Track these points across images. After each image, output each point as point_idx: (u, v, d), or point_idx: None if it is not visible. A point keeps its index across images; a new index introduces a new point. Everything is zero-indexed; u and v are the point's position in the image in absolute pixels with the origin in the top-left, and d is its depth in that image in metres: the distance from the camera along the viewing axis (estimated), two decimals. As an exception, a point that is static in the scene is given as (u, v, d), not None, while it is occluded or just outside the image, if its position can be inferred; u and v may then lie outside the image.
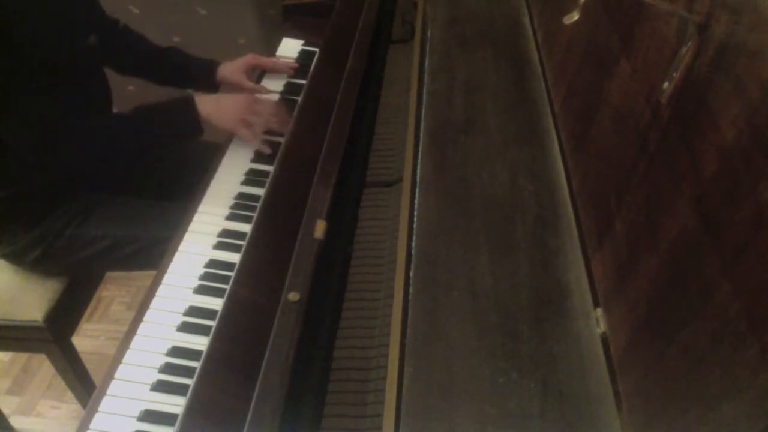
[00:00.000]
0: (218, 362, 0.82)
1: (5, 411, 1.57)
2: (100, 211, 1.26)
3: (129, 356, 0.89)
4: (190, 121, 1.19)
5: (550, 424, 0.58)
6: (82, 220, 1.24)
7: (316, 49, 1.48)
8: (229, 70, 1.42)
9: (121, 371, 0.88)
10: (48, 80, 1.11)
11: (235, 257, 1.01)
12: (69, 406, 1.69)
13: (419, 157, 0.92)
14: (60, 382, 1.52)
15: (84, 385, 1.43)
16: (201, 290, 0.98)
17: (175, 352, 0.90)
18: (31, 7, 1.06)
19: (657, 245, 0.59)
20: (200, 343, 0.89)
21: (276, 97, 1.39)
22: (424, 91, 1.03)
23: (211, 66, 1.43)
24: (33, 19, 1.07)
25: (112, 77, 1.41)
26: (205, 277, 1.00)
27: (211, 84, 1.44)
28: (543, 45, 1.10)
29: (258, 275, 0.93)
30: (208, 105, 1.19)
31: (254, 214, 1.04)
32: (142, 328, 0.93)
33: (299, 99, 1.29)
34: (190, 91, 1.36)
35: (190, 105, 1.19)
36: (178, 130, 1.22)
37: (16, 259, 1.26)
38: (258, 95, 1.29)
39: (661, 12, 0.65)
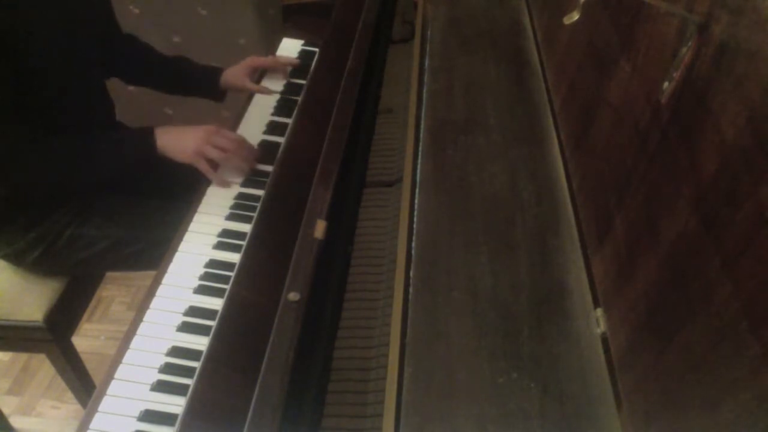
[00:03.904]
0: (218, 362, 0.82)
1: (5, 411, 1.57)
2: (100, 211, 1.26)
3: (129, 356, 0.89)
4: (145, 152, 1.16)
5: (550, 424, 0.58)
6: (82, 220, 1.24)
7: (316, 49, 1.48)
8: (233, 75, 1.41)
9: (121, 371, 0.88)
10: (44, 95, 1.12)
11: (235, 257, 1.01)
12: (69, 406, 1.69)
13: (419, 157, 0.92)
14: (60, 382, 1.52)
15: (84, 385, 1.43)
16: (201, 290, 0.98)
17: (175, 352, 0.90)
18: (40, 20, 1.07)
19: (657, 245, 0.59)
20: (200, 343, 0.89)
21: (276, 96, 1.39)
22: (424, 91, 1.03)
23: (215, 73, 1.42)
24: (41, 31, 1.07)
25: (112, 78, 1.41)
26: (205, 277, 1.00)
27: (216, 91, 1.44)
28: (543, 45, 1.10)
29: (258, 275, 0.93)
30: (166, 138, 1.15)
31: (254, 214, 1.04)
32: (142, 328, 0.93)
33: (299, 99, 1.29)
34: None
35: (148, 137, 1.15)
36: (131, 160, 1.18)
37: (17, 259, 1.26)
38: (222, 130, 1.20)
39: (661, 12, 0.65)
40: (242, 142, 1.19)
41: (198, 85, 1.45)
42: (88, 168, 1.17)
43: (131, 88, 1.56)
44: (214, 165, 1.17)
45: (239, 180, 1.17)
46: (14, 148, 1.10)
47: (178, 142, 1.16)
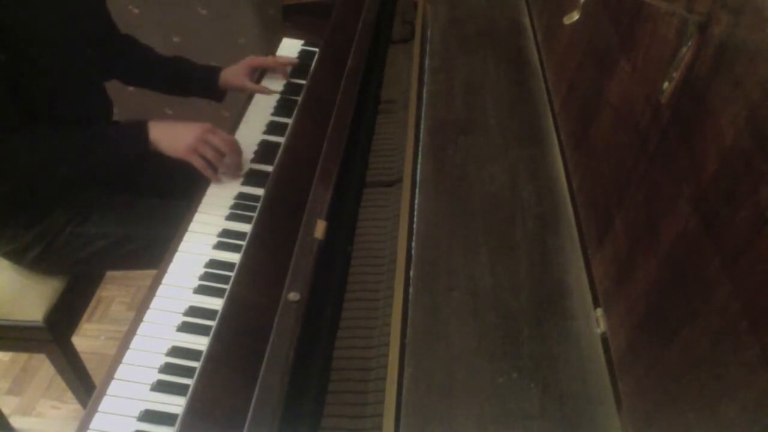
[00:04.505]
0: (218, 362, 0.82)
1: (5, 411, 1.57)
2: (100, 209, 1.26)
3: (129, 356, 0.89)
4: (137, 145, 1.15)
5: (550, 424, 0.58)
6: (83, 218, 1.24)
7: (316, 49, 1.48)
8: (232, 74, 1.41)
9: (121, 371, 0.88)
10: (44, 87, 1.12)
11: (235, 257, 1.01)
12: (69, 406, 1.69)
13: (419, 157, 0.92)
14: (60, 382, 1.52)
15: (84, 385, 1.43)
16: (201, 290, 0.98)
17: (175, 352, 0.90)
18: (36, 20, 1.07)
19: (657, 245, 0.59)
20: (200, 343, 0.89)
21: (276, 96, 1.39)
22: (424, 90, 1.03)
23: (213, 73, 1.42)
24: (36, 32, 1.08)
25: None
26: (205, 277, 1.00)
27: (215, 91, 1.44)
28: (543, 45, 1.10)
29: (258, 275, 0.93)
30: (159, 131, 1.15)
31: (254, 214, 1.04)
32: (142, 328, 0.93)
33: (299, 99, 1.29)
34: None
35: (141, 129, 1.15)
36: (123, 152, 1.18)
37: (17, 257, 1.26)
38: (217, 129, 1.20)
39: (661, 12, 0.65)
40: (235, 144, 1.19)
41: (197, 85, 1.45)
42: (80, 160, 1.16)
43: (131, 88, 1.56)
44: (209, 162, 1.17)
45: (239, 179, 1.17)
46: (10, 144, 1.10)
47: (172, 136, 1.15)
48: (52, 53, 1.12)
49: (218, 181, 1.17)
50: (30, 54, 1.08)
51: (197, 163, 1.15)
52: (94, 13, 1.27)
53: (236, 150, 1.19)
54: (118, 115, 1.40)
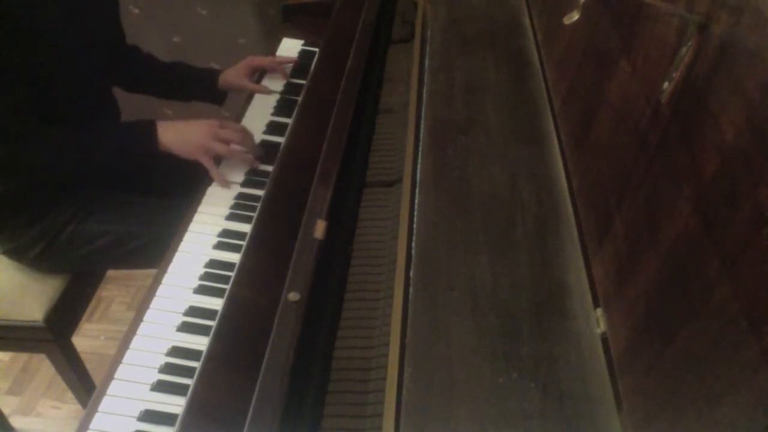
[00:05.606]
0: (218, 362, 0.82)
1: (5, 411, 1.57)
2: (102, 207, 1.26)
3: (129, 356, 0.89)
4: (145, 145, 1.15)
5: (550, 424, 0.58)
6: (84, 215, 1.24)
7: (316, 49, 1.48)
8: (232, 75, 1.42)
9: (121, 371, 0.88)
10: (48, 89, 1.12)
11: (235, 257, 1.01)
12: (69, 406, 1.69)
13: (419, 157, 0.92)
14: (60, 382, 1.52)
15: (84, 385, 1.43)
16: (201, 290, 0.98)
17: (175, 352, 0.90)
18: (52, 15, 1.08)
19: (657, 245, 0.59)
20: (200, 343, 0.89)
21: (276, 96, 1.39)
22: (424, 90, 1.03)
23: (212, 76, 1.43)
24: (53, 37, 1.09)
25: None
26: (205, 277, 1.00)
27: (215, 94, 1.44)
28: (543, 45, 1.10)
29: (258, 275, 0.93)
30: (169, 133, 1.15)
31: (254, 214, 1.04)
32: (142, 328, 0.93)
33: (299, 99, 1.29)
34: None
35: (149, 130, 1.15)
36: (130, 152, 1.17)
37: (19, 254, 1.27)
38: (224, 122, 1.20)
39: (661, 12, 0.65)
40: (246, 132, 1.20)
41: (197, 89, 1.45)
42: (87, 159, 1.16)
43: (131, 88, 1.56)
44: (217, 161, 1.17)
45: (239, 179, 1.17)
46: (20, 144, 1.10)
47: (182, 138, 1.15)
48: (66, 56, 1.12)
49: (225, 185, 1.15)
50: (44, 56, 1.08)
51: (207, 162, 1.15)
52: (108, 21, 1.29)
53: (248, 137, 1.19)
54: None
